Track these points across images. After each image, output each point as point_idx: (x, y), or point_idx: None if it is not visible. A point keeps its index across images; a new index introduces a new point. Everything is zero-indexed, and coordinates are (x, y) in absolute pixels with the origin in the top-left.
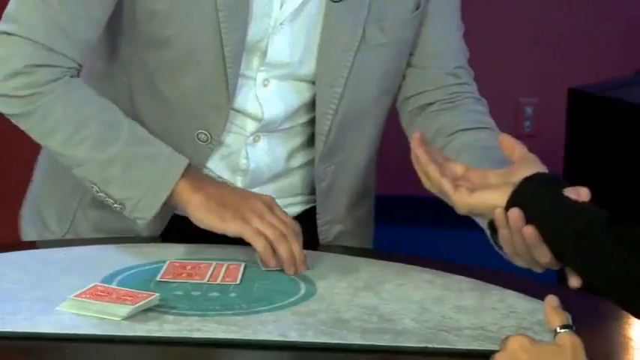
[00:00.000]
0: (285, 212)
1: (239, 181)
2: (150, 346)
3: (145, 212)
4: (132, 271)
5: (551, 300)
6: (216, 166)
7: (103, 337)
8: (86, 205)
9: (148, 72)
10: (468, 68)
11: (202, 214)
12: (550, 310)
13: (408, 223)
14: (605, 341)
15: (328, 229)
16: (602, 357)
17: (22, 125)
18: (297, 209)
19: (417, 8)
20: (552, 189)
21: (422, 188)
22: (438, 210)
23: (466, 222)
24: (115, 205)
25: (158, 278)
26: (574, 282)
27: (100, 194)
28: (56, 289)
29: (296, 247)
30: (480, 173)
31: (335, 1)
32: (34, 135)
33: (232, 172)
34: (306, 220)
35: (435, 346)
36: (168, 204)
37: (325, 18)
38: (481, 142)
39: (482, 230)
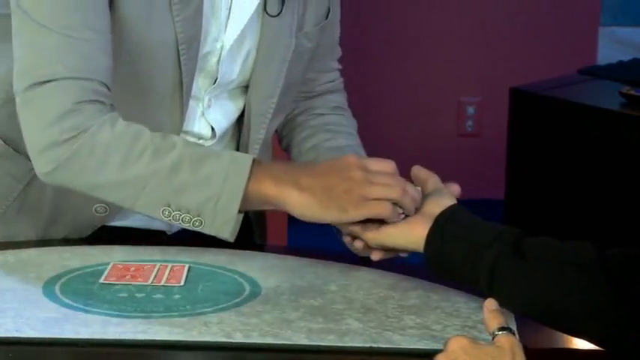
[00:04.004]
0: (376, 161)
1: None
2: (94, 348)
3: (227, 211)
4: (75, 274)
5: (490, 303)
6: None
7: (46, 340)
8: None
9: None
10: (338, 66)
11: (321, 213)
12: (488, 313)
13: None
14: (548, 339)
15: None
16: (545, 355)
17: (64, 176)
18: None
19: (328, 14)
20: (457, 232)
21: None
22: None
23: None
24: (194, 220)
25: (102, 280)
26: (375, 255)
27: (175, 214)
28: None
29: (409, 189)
30: None
31: (272, 16)
32: (82, 180)
33: None
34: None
35: (380, 345)
36: (248, 202)
37: (263, 32)
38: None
39: None
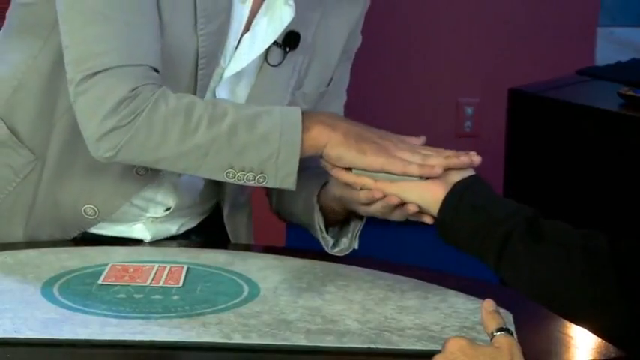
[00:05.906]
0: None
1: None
2: (92, 349)
3: (288, 165)
4: (74, 274)
5: (488, 304)
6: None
7: (45, 340)
8: None
9: None
10: None
11: (342, 151)
12: (486, 314)
13: None
14: (546, 340)
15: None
16: (543, 355)
17: (126, 157)
18: (207, 212)
19: (329, 83)
20: (474, 201)
21: None
22: None
23: (407, 221)
24: (258, 177)
25: (100, 281)
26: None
27: (239, 174)
28: None
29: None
30: None
31: (272, 65)
32: (144, 158)
33: (164, 196)
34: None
35: (379, 346)
36: (303, 151)
37: (259, 78)
38: None
39: (423, 229)
